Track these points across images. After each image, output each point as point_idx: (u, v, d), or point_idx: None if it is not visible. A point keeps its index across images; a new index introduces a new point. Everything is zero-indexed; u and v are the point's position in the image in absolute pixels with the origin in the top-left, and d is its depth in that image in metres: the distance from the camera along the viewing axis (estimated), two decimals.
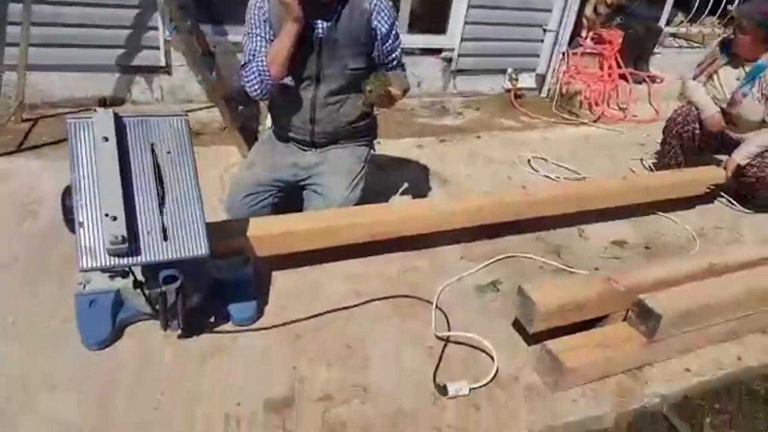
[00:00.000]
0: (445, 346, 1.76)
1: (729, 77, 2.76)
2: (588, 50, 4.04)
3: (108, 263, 1.37)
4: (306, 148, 2.14)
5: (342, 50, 1.95)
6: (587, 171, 3.15)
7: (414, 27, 3.84)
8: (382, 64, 2.07)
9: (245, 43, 1.96)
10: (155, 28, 3.11)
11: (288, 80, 1.98)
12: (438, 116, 3.68)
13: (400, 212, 2.18)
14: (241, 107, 3.11)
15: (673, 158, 3.04)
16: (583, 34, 4.08)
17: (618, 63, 4.05)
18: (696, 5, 4.35)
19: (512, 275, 2.12)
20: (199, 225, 1.48)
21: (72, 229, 1.40)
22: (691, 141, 2.92)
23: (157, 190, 1.46)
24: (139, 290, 1.56)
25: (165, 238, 1.43)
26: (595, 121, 3.83)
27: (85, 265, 1.35)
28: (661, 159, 3.14)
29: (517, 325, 1.85)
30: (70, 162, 1.39)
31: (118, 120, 1.45)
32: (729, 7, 4.46)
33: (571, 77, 4.00)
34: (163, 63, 3.22)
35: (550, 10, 3.87)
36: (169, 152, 1.50)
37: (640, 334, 1.75)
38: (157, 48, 3.17)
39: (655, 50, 4.33)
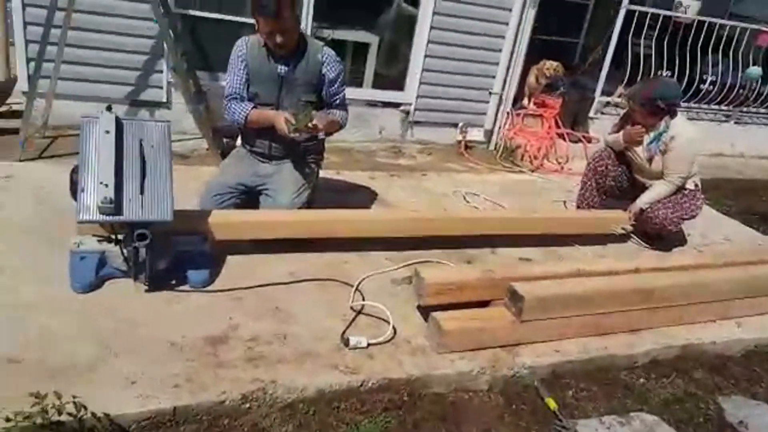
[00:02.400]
0: (356, 315, 2.23)
1: None
2: (530, 112, 4.72)
3: (97, 218, 1.90)
4: (264, 160, 2.69)
5: (298, 87, 2.56)
6: (512, 206, 3.60)
7: (377, 84, 4.58)
8: (330, 101, 2.66)
9: (227, 77, 2.57)
10: (160, 71, 3.81)
11: None
12: (394, 157, 4.29)
13: (337, 216, 2.70)
14: (227, 140, 3.72)
15: (589, 199, 3.55)
16: (525, 100, 4.80)
17: (557, 124, 4.70)
18: (626, 80, 5.04)
19: None
20: (167, 199, 2.02)
21: (75, 197, 1.94)
22: (603, 177, 3.44)
23: (141, 171, 2.01)
24: (119, 251, 2.08)
25: (142, 205, 1.97)
26: (533, 171, 4.41)
27: (81, 218, 1.88)
28: (579, 199, 3.64)
29: (421, 309, 2.28)
30: (80, 146, 1.95)
31: (118, 120, 2.03)
32: None
33: (515, 134, 4.64)
34: (164, 99, 3.91)
35: (494, 77, 4.57)
36: (152, 147, 2.06)
37: (511, 314, 2.18)
38: (161, 87, 3.87)
39: (592, 115, 5.00)
